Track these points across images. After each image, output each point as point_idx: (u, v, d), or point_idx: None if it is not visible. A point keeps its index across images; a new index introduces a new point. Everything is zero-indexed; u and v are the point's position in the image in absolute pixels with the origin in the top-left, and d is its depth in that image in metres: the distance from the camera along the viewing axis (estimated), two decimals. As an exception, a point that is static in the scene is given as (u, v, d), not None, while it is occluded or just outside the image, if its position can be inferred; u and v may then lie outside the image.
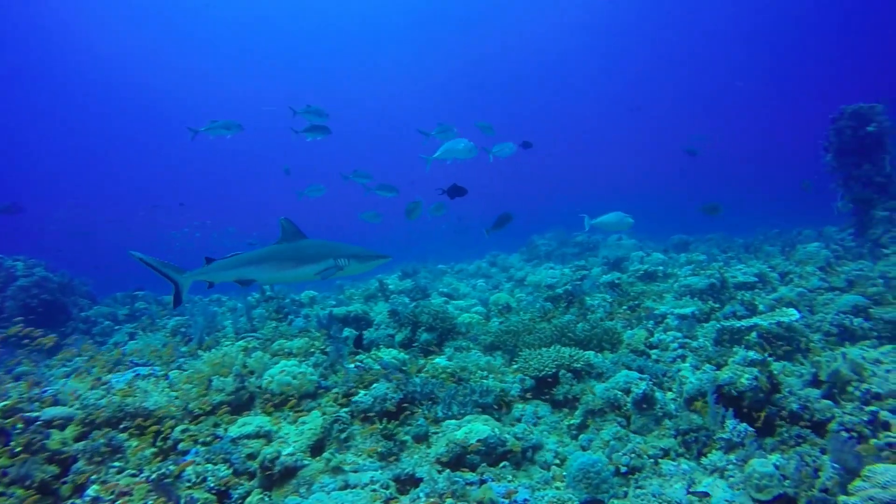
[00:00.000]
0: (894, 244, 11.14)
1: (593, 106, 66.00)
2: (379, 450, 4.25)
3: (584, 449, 4.59)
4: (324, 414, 4.56)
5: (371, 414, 4.62)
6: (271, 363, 5.10)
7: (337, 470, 4.00)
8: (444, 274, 14.27)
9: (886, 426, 4.51)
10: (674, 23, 57.54)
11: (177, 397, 4.71)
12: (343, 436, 4.36)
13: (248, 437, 4.14)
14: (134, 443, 4.19)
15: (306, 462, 4.04)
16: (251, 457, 3.97)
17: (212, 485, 3.74)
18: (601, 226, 8.56)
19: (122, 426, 4.31)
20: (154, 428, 4.30)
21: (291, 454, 3.95)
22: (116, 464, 3.95)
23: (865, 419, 4.59)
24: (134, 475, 3.78)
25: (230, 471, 3.90)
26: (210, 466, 3.88)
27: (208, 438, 4.26)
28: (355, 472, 4.03)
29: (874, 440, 4.18)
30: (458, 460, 4.20)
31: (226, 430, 4.34)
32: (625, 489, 4.08)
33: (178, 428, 4.34)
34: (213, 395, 4.62)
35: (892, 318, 7.05)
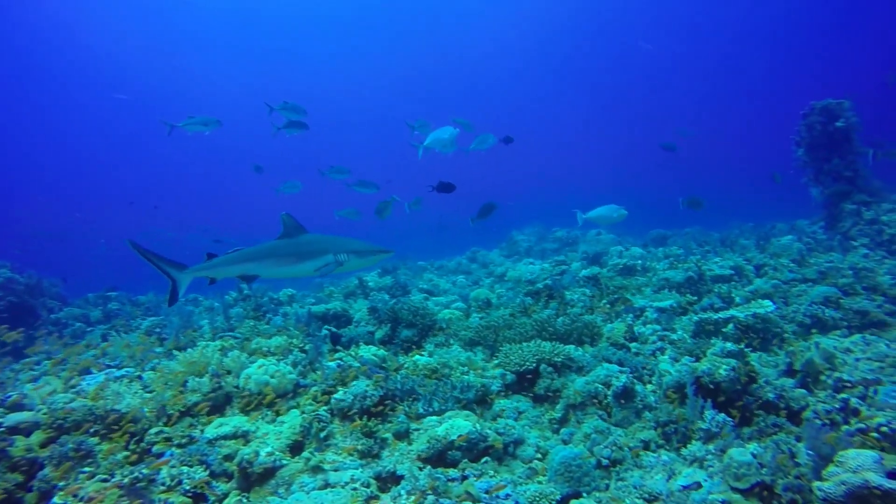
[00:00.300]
0: (862, 236, 11.42)
1: (570, 102, 66.57)
2: (359, 448, 4.19)
3: (565, 443, 4.60)
4: (303, 413, 4.49)
5: (351, 412, 4.56)
6: (249, 362, 4.99)
7: (317, 469, 3.93)
8: (425, 270, 14.22)
9: (856, 413, 4.60)
10: (650, 19, 58.32)
11: (151, 399, 4.59)
12: (323, 434, 4.29)
13: (225, 437, 4.04)
14: (105, 446, 4.06)
15: (285, 462, 3.97)
16: (228, 458, 3.88)
17: (188, 487, 3.65)
18: (596, 219, 8.55)
19: (92, 430, 4.18)
20: (127, 430, 4.18)
21: (270, 454, 3.87)
22: (86, 469, 3.82)
23: (837, 406, 4.68)
24: (105, 480, 3.66)
25: (207, 473, 3.81)
26: (186, 469, 3.78)
27: (184, 440, 4.15)
28: (335, 470, 3.97)
29: (846, 427, 4.27)
30: (439, 457, 4.17)
31: (202, 431, 4.23)
32: (606, 482, 4.10)
33: (153, 430, 4.22)
34: (189, 395, 4.51)
35: (861, 308, 7.24)
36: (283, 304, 10.25)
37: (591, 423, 4.62)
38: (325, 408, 4.61)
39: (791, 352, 5.83)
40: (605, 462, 4.20)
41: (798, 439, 4.07)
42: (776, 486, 3.38)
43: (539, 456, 4.49)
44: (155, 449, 4.10)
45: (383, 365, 5.58)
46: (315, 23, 59.83)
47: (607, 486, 4.04)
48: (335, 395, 4.64)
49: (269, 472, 3.85)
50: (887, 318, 7.17)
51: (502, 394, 5.31)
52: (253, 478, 3.80)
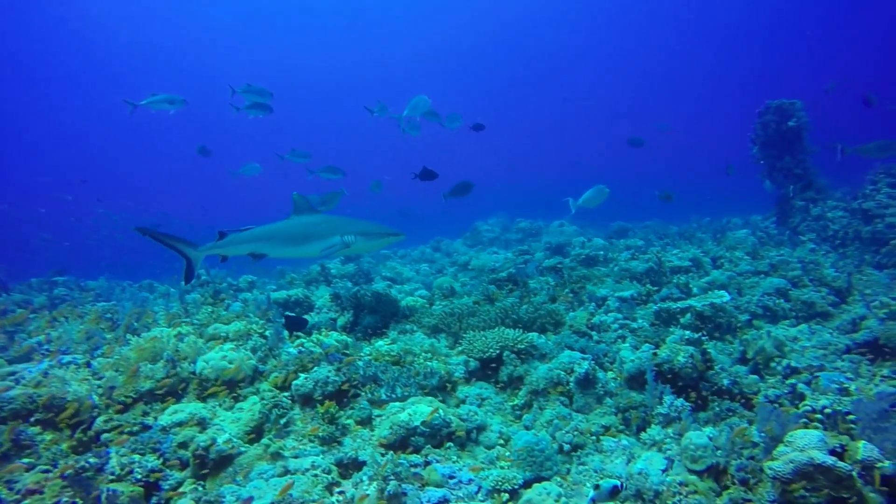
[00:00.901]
0: (810, 232, 11.93)
1: (534, 97, 67.19)
2: (320, 434, 4.12)
3: (527, 428, 4.64)
4: (262, 399, 4.37)
5: (312, 398, 4.48)
6: (206, 348, 4.83)
7: (276, 456, 3.85)
8: (388, 259, 14.10)
9: (802, 397, 4.82)
10: (618, 13, 59.34)
11: (100, 386, 4.38)
12: (283, 421, 4.20)
13: (180, 424, 3.90)
14: (48, 436, 3.86)
15: (243, 449, 3.86)
16: (183, 445, 3.74)
17: (139, 476, 3.50)
18: (586, 203, 8.60)
19: (33, 419, 3.96)
20: (72, 418, 3.98)
21: (227, 441, 3.76)
22: (26, 460, 3.63)
23: (786, 391, 4.90)
24: (46, 471, 3.48)
25: (160, 461, 3.67)
26: (137, 457, 3.63)
27: (136, 428, 3.99)
28: (296, 457, 3.90)
29: (794, 410, 4.45)
30: (402, 443, 4.14)
31: (155, 418, 4.07)
32: (568, 466, 4.15)
33: (101, 418, 4.04)
34: (142, 382, 4.32)
35: (808, 300, 7.56)
36: (243, 291, 10.00)
37: (554, 410, 4.67)
38: (285, 394, 4.51)
39: (745, 340, 6.05)
40: (566, 447, 4.26)
41: (750, 423, 4.22)
42: (730, 466, 3.49)
43: (502, 442, 4.52)
44: (104, 437, 3.92)
45: (345, 351, 5.50)
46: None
47: (568, 471, 4.10)
48: (296, 381, 4.54)
49: (227, 460, 3.74)
50: (830, 308, 7.51)
51: (466, 380, 5.31)
52: (209, 465, 3.68)
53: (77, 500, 3.21)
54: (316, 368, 4.73)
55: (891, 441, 3.07)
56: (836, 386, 4.96)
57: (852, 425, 3.40)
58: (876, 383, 5.12)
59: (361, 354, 5.56)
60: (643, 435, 4.23)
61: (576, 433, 4.30)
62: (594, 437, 4.40)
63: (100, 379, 4.56)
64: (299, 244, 6.23)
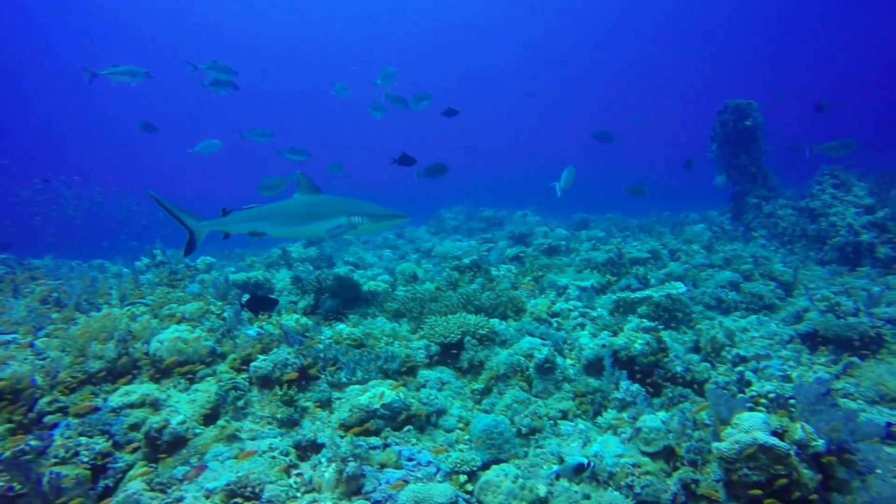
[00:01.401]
0: (761, 228, 12.42)
1: (503, 87, 67.51)
2: (279, 416, 4.07)
3: (487, 412, 4.69)
4: (219, 381, 4.27)
5: (271, 380, 4.41)
6: (161, 328, 4.68)
7: (233, 438, 3.78)
8: (351, 244, 13.96)
9: (749, 383, 5.04)
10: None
11: (44, 366, 4.19)
12: (240, 403, 4.12)
13: (131, 406, 3.77)
14: (-14, 417, 3.67)
15: (198, 431, 3.77)
16: (135, 427, 3.63)
17: (85, 459, 3.38)
18: (565, 184, 8.90)
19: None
20: (12, 399, 3.80)
21: (182, 423, 3.67)
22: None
23: (734, 378, 5.11)
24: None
25: (109, 443, 3.55)
26: (84, 440, 3.50)
27: (83, 410, 3.84)
28: (253, 439, 3.84)
29: (740, 395, 4.65)
30: (361, 425, 4.13)
31: (105, 400, 3.93)
32: (526, 449, 4.22)
33: (44, 399, 3.87)
34: (91, 362, 4.16)
35: (758, 293, 7.88)
36: (201, 272, 9.72)
37: (513, 394, 4.74)
38: (243, 376, 4.42)
39: (698, 329, 6.26)
40: (524, 430, 4.33)
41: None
42: (680, 448, 3.63)
43: (461, 426, 4.55)
44: (47, 420, 3.76)
45: (306, 334, 5.43)
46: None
47: (526, 454, 4.17)
48: (254, 363, 4.46)
49: (181, 442, 3.65)
50: (777, 301, 7.87)
51: (427, 365, 5.33)
52: (162, 448, 3.58)
53: (14, 484, 3.07)
54: (275, 350, 4.65)
55: (824, 422, 3.25)
56: (780, 373, 5.22)
57: (793, 408, 3.58)
58: (815, 370, 5.40)
59: (322, 337, 5.51)
60: (599, 419, 4.35)
61: (534, 417, 4.38)
62: (552, 422, 4.49)
63: (44, 360, 4.36)
64: (303, 223, 6.14)
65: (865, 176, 11.35)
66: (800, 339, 6.24)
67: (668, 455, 3.70)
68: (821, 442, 3.11)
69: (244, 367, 4.53)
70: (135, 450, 3.55)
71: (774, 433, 3.19)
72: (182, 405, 3.94)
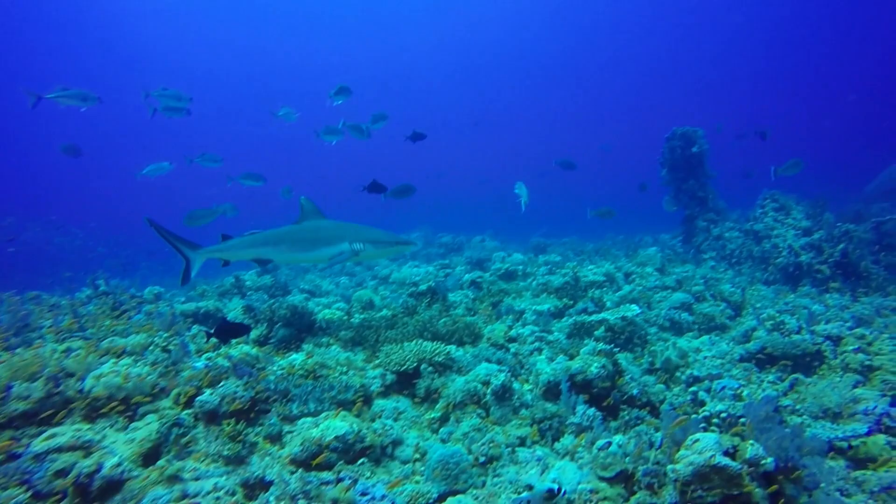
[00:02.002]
0: (711, 250, 12.87)
1: (454, 113, 68.91)
2: (225, 453, 3.87)
3: (444, 442, 4.59)
4: (162, 417, 4.05)
5: (218, 414, 4.20)
6: (98, 363, 4.42)
7: (174, 479, 3.56)
8: (307, 271, 13.70)
9: (703, 403, 5.12)
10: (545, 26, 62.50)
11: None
12: (184, 440, 3.90)
13: (59, 450, 3.50)
14: None
15: (136, 473, 3.54)
16: (61, 473, 3.36)
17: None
18: (526, 197, 9.01)
19: None
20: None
21: (117, 465, 3.43)
22: None
23: (688, 399, 5.18)
24: None
25: (28, 494, 3.25)
26: (-1, 492, 3.21)
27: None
28: (196, 479, 3.62)
29: (694, 416, 4.71)
30: (313, 459, 3.97)
31: (27, 445, 3.64)
32: (483, 478, 4.13)
33: (-39, 445, 3.55)
34: (14, 403, 3.86)
35: (709, 313, 8.10)
36: (148, 303, 9.31)
37: (470, 422, 4.66)
38: (188, 411, 4.20)
39: (653, 351, 6.36)
40: (482, 459, 4.24)
41: (656, 429, 4.41)
42: (637, 471, 3.62)
43: (418, 456, 4.43)
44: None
45: (256, 365, 5.24)
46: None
47: (484, 483, 4.08)
48: (200, 397, 4.25)
49: (114, 486, 3.40)
50: (728, 321, 8.10)
51: (382, 394, 5.21)
52: (93, 495, 3.33)
53: None
54: (223, 383, 4.46)
55: (773, 441, 3.30)
56: (731, 392, 5.33)
57: (743, 427, 3.63)
58: (763, 389, 5.54)
59: (274, 368, 5.32)
60: (557, 445, 4.31)
61: (491, 445, 4.30)
62: (510, 449, 4.43)
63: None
64: (306, 250, 6.02)
65: (802, 200, 11.96)
66: (749, 358, 6.40)
67: (625, 479, 3.68)
68: (770, 460, 3.15)
69: (190, 401, 4.31)
70: (59, 501, 3.28)
71: (726, 453, 3.22)
72: (119, 446, 3.70)
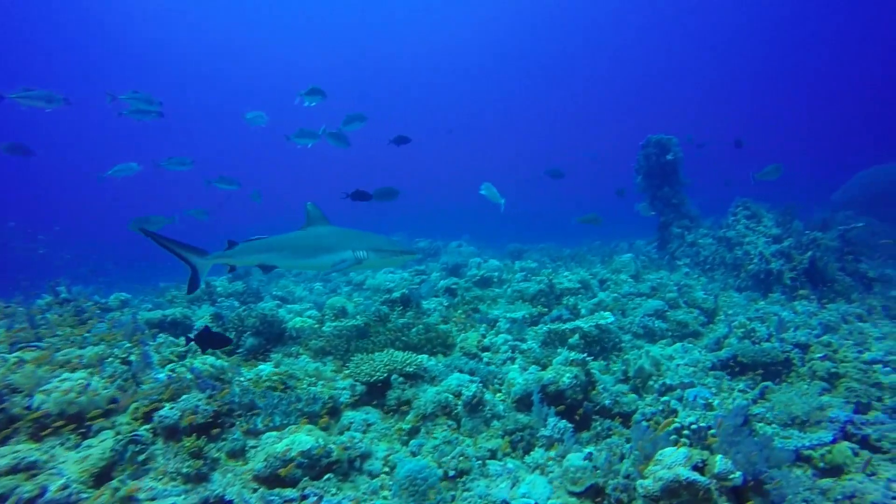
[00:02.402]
0: (685, 257, 13.01)
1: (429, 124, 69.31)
2: (184, 471, 3.72)
3: (414, 454, 4.50)
4: (117, 434, 3.88)
5: (178, 430, 4.05)
6: (49, 377, 4.22)
7: (127, 500, 3.40)
8: (281, 277, 13.48)
9: (675, 412, 5.11)
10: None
11: None
12: (141, 458, 3.74)
13: None
14: None
15: (85, 495, 3.37)
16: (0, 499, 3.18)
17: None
18: (496, 197, 8.96)
19: None
20: None
21: (63, 487, 3.25)
22: None
23: (660, 409, 5.16)
24: None
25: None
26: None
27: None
28: (152, 499, 3.47)
29: (666, 426, 4.70)
30: (277, 476, 3.84)
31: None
32: (452, 493, 4.05)
33: None
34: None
35: (682, 320, 8.14)
36: (113, 310, 9.03)
37: (441, 434, 4.58)
38: (146, 426, 4.04)
39: (626, 360, 6.35)
40: (451, 473, 4.16)
41: (628, 441, 4.39)
42: (607, 486, 3.58)
43: (387, 469, 4.34)
44: None
45: (222, 377, 5.08)
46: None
47: (453, 498, 4.00)
48: (160, 412, 4.08)
49: (63, 509, 3.23)
50: (701, 328, 8.16)
51: (352, 405, 5.09)
52: (38, 518, 3.16)
53: None
54: (185, 397, 4.29)
55: (742, 453, 3.29)
56: (703, 401, 5.33)
57: (713, 440, 3.62)
58: (734, 398, 5.56)
59: (240, 379, 5.18)
60: (527, 458, 4.25)
61: (461, 458, 4.22)
62: (480, 462, 4.36)
63: None
64: (309, 256, 5.94)
65: (773, 208, 12.17)
66: (721, 366, 6.44)
67: (595, 493, 3.64)
68: (738, 474, 3.14)
69: (149, 416, 4.14)
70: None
71: (696, 467, 3.19)
72: (68, 466, 3.52)
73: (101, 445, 3.70)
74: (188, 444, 3.85)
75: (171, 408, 4.11)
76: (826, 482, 4.26)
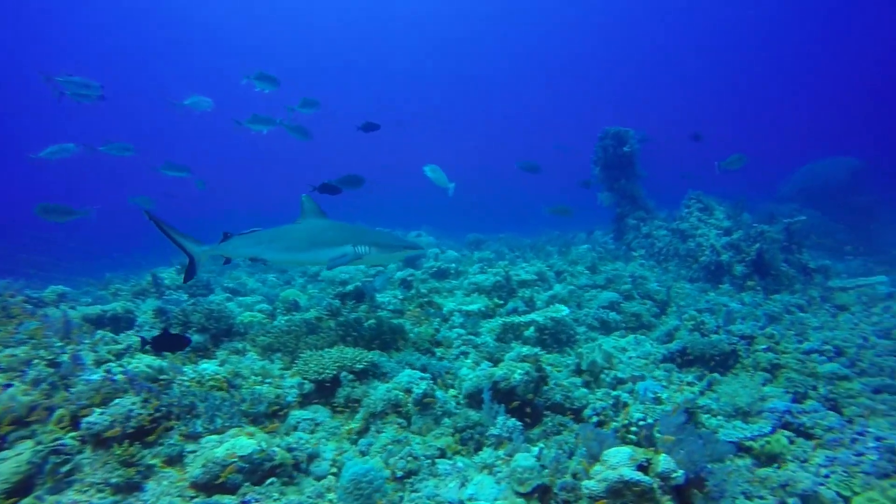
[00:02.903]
0: (640, 248, 13.24)
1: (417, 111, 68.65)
2: (113, 481, 3.51)
3: (363, 454, 4.40)
4: (38, 444, 3.63)
5: (108, 436, 3.82)
6: (-36, 382, 3.92)
7: (47, 515, 3.18)
8: (235, 267, 13.05)
9: (626, 407, 5.16)
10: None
11: None
12: (65, 469, 3.51)
13: None
14: None
15: (-2, 512, 3.13)
16: None
17: None
18: (443, 182, 8.76)
19: None
20: None
21: (-28, 505, 3.02)
22: None
23: (611, 403, 5.20)
24: None
25: None
26: None
27: None
28: (75, 514, 3.26)
29: (613, 423, 4.73)
30: (216, 482, 3.67)
31: None
32: (400, 494, 3.96)
33: None
34: None
35: (636, 312, 8.26)
36: (48, 305, 8.54)
37: (390, 433, 4.48)
38: (72, 434, 3.79)
39: (579, 353, 6.38)
40: (399, 474, 4.07)
41: (577, 436, 4.39)
42: (554, 486, 3.56)
43: (334, 471, 4.22)
44: None
45: (160, 377, 4.84)
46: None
47: (401, 499, 3.92)
48: (88, 418, 3.85)
49: (-27, 528, 3.00)
50: (654, 320, 8.30)
51: (299, 404, 4.94)
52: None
53: None
54: (118, 400, 4.06)
55: (685, 451, 3.32)
56: (652, 395, 5.40)
57: (657, 438, 3.63)
58: (682, 391, 5.67)
59: (182, 380, 4.94)
60: (476, 458, 4.20)
61: (410, 459, 4.14)
62: (430, 461, 4.28)
63: None
64: (304, 251, 5.69)
65: (724, 201, 12.50)
66: (671, 358, 6.55)
67: (542, 493, 3.62)
68: (680, 473, 3.16)
69: (77, 423, 3.90)
70: None
71: (640, 467, 3.20)
72: (-21, 481, 3.27)
73: (16, 458, 3.45)
74: (119, 452, 3.64)
75: (102, 413, 3.88)
76: (764, 472, 4.38)
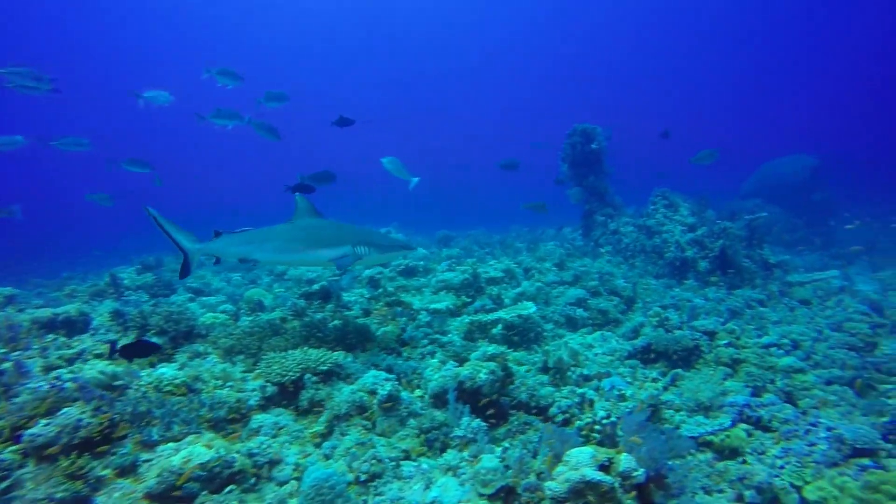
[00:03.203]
0: (608, 244, 13.39)
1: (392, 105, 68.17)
2: (59, 496, 3.35)
3: (327, 457, 4.31)
4: (-23, 457, 3.44)
5: (54, 448, 3.65)
6: None
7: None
8: (201, 266, 12.74)
9: (591, 404, 5.18)
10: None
11: None
12: (2, 485, 3.33)
13: None
14: None
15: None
16: None
17: None
18: (403, 174, 8.55)
19: None
20: None
21: None
22: None
23: (576, 401, 5.21)
24: None
25: None
26: None
27: None
28: (17, 531, 3.10)
29: (578, 421, 4.75)
30: (171, 493, 3.54)
31: None
32: (364, 498, 3.90)
33: None
34: None
35: (603, 308, 8.32)
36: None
37: (354, 436, 4.41)
38: (13, 448, 3.61)
39: (546, 351, 6.39)
40: (363, 477, 4.01)
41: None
42: (518, 487, 3.54)
43: (297, 475, 4.12)
44: None
45: (115, 383, 4.66)
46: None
47: (364, 503, 3.86)
48: (31, 430, 3.66)
49: None
50: (620, 316, 8.38)
51: (261, 408, 4.82)
52: None
53: None
54: (65, 410, 3.88)
55: (646, 449, 3.34)
56: (617, 392, 5.44)
57: (619, 437, 3.65)
58: (646, 387, 5.73)
59: (138, 385, 4.77)
60: (440, 460, 4.16)
61: (374, 461, 4.07)
62: (394, 463, 4.23)
63: None
64: (299, 251, 5.48)
65: (689, 198, 12.73)
66: (636, 354, 6.62)
67: (506, 494, 3.60)
68: (641, 471, 3.17)
69: (18, 436, 3.71)
70: None
71: (602, 466, 3.20)
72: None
73: (-45, 472, 3.26)
74: (66, 465, 3.48)
75: (47, 424, 3.70)
76: (722, 465, 4.47)
